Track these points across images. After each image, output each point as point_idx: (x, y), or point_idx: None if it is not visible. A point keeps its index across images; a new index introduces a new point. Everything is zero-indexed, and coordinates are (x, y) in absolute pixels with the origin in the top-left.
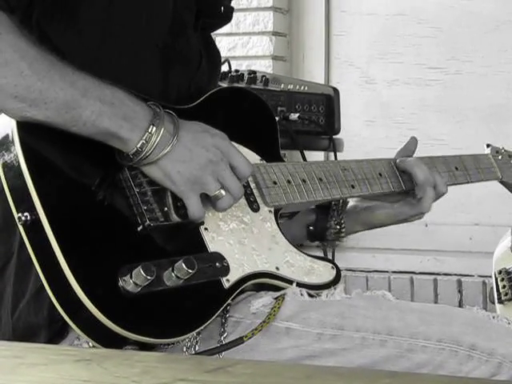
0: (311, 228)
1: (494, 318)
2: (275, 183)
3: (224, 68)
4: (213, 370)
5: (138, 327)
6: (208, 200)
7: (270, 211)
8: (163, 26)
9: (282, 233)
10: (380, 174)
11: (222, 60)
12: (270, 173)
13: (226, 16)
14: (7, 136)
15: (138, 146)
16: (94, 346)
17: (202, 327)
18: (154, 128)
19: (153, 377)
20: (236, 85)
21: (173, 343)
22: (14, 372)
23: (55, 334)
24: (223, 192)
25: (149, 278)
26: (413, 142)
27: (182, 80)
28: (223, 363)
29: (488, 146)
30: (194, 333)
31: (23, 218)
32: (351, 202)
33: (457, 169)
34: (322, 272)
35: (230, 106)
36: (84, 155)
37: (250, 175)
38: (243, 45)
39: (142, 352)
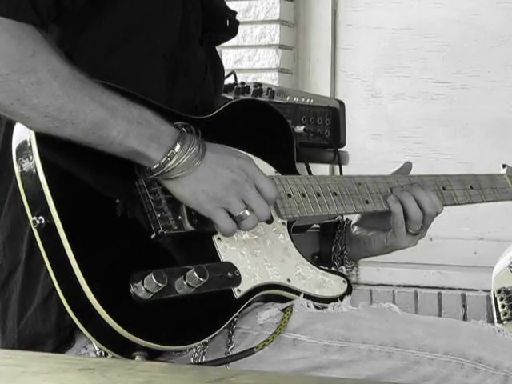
0: (316, 257)
1: (499, 331)
2: (289, 196)
3: (230, 80)
4: (215, 381)
5: (147, 333)
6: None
7: (284, 223)
8: (171, 36)
9: (295, 245)
10: (391, 190)
11: (228, 72)
12: (285, 185)
13: (231, 30)
14: (25, 142)
15: (162, 162)
16: (101, 355)
17: (211, 336)
18: (179, 147)
19: None
20: (242, 97)
21: (181, 351)
22: (16, 381)
23: (62, 342)
24: (247, 212)
25: (160, 285)
26: (407, 167)
27: (187, 91)
28: (226, 373)
29: (504, 166)
30: (202, 344)
31: (38, 222)
32: (354, 231)
33: (472, 188)
34: (334, 285)
35: (247, 117)
36: (101, 163)
37: (276, 198)
38: (249, 57)
39: (145, 362)
